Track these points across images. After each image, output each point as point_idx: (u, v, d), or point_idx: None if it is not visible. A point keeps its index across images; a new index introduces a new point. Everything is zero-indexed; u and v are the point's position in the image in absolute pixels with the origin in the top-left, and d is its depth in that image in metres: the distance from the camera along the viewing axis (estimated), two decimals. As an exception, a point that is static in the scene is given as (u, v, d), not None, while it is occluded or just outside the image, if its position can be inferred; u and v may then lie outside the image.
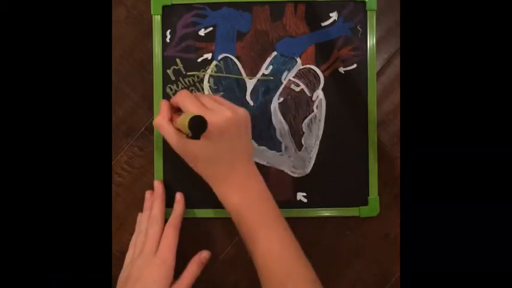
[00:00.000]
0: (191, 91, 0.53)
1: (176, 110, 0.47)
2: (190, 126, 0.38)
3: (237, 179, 0.45)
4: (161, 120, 0.45)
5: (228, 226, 0.53)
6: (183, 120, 0.39)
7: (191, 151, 0.44)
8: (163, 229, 0.48)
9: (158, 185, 0.51)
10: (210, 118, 0.40)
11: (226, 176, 0.45)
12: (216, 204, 0.51)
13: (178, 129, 0.44)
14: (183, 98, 0.45)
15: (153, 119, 0.53)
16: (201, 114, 0.40)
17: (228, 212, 0.46)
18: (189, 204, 0.53)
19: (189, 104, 0.44)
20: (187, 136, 0.39)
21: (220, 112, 0.42)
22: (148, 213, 0.50)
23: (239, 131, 0.44)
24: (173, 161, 0.53)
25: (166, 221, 0.49)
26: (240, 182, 0.45)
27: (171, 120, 0.46)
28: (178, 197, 0.51)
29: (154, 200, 0.50)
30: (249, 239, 0.44)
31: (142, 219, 0.50)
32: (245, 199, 0.45)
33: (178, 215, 0.49)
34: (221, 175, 0.45)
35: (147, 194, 0.52)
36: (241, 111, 0.44)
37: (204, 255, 0.48)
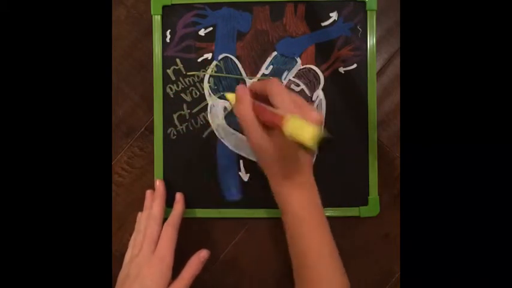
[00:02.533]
0: (191, 91, 0.53)
1: (255, 97, 0.44)
2: (319, 145, 0.35)
3: (300, 181, 0.44)
4: (247, 111, 0.41)
5: (228, 226, 0.53)
6: (298, 130, 0.36)
7: (269, 149, 0.42)
8: (162, 228, 0.48)
9: (159, 184, 0.51)
10: (312, 116, 0.39)
11: (292, 177, 0.44)
12: (216, 204, 0.51)
13: (266, 125, 0.41)
14: (280, 90, 0.41)
15: (153, 119, 0.53)
16: (297, 114, 0.37)
17: (282, 211, 0.45)
18: (189, 204, 0.53)
19: (287, 100, 0.40)
20: (302, 146, 0.36)
21: (311, 116, 0.40)
22: (147, 213, 0.50)
23: None
24: (173, 161, 0.53)
25: (165, 220, 0.49)
26: (302, 184, 0.44)
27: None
28: (178, 196, 0.51)
29: (154, 199, 0.50)
30: (302, 239, 0.44)
31: (141, 218, 0.50)
32: (304, 202, 0.44)
33: (177, 215, 0.49)
34: (287, 175, 0.44)
35: (148, 193, 0.52)
36: (322, 118, 0.44)
37: (202, 254, 0.48)
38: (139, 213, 0.51)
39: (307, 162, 0.45)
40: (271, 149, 0.41)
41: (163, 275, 0.45)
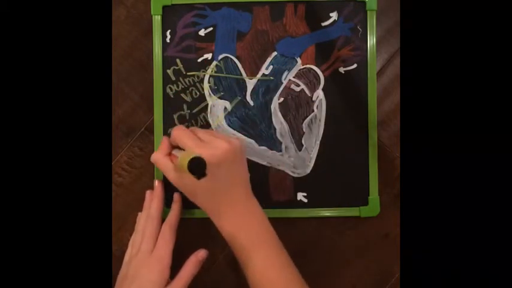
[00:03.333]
0: (191, 91, 0.53)
1: (175, 146, 0.48)
2: (190, 169, 0.38)
3: (233, 207, 0.45)
4: (158, 155, 0.47)
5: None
6: (183, 160, 0.39)
7: (189, 185, 0.45)
8: (160, 228, 0.48)
9: (158, 184, 0.51)
10: (206, 151, 0.42)
11: (224, 206, 0.45)
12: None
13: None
14: (179, 134, 0.45)
15: (153, 119, 0.53)
16: (198, 148, 0.42)
17: (226, 240, 0.46)
18: (189, 204, 0.52)
19: (185, 138, 0.44)
20: (184, 171, 0.39)
21: (216, 144, 0.43)
22: (146, 213, 0.50)
23: (235, 160, 0.45)
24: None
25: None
26: (236, 209, 0.45)
27: (169, 155, 0.47)
28: (177, 196, 0.51)
29: (152, 199, 0.50)
30: (245, 264, 0.45)
31: (141, 218, 0.50)
32: (241, 224, 0.45)
33: (175, 214, 0.49)
34: (219, 205, 0.45)
35: (147, 193, 0.52)
36: (236, 141, 0.45)
37: (201, 254, 0.48)
38: (139, 214, 0.52)
39: (239, 187, 0.46)
40: (191, 185, 0.45)
41: (161, 275, 0.45)
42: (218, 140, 0.44)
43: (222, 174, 0.43)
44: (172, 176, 0.45)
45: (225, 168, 0.43)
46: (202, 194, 0.45)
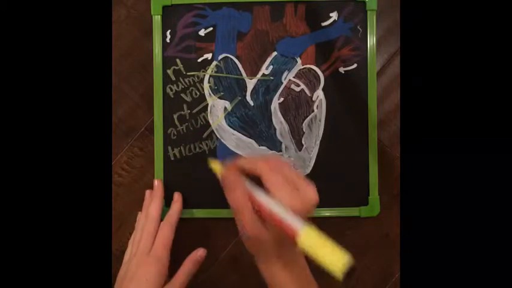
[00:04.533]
0: (191, 91, 0.53)
1: (244, 171, 0.41)
2: (343, 275, 0.32)
3: (286, 258, 0.40)
4: (243, 202, 0.38)
5: (228, 226, 0.53)
6: (318, 249, 0.33)
7: (267, 240, 0.38)
8: (159, 227, 0.48)
9: (158, 184, 0.51)
10: (299, 204, 0.36)
11: (276, 256, 0.40)
12: (216, 204, 0.51)
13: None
14: (268, 174, 0.38)
15: (153, 119, 0.53)
16: (291, 199, 0.35)
17: (267, 282, 0.41)
18: (189, 204, 0.53)
19: (277, 184, 0.37)
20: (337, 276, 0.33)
21: (307, 195, 0.37)
22: (146, 212, 0.50)
23: (310, 213, 0.38)
24: (173, 160, 0.53)
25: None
26: (288, 261, 0.40)
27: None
28: (176, 196, 0.51)
29: (151, 198, 0.50)
30: None
31: (140, 217, 0.50)
32: (291, 277, 0.40)
33: (174, 213, 0.50)
34: (272, 255, 0.40)
35: (147, 193, 0.52)
36: (316, 193, 0.38)
37: (200, 253, 0.48)
38: (139, 213, 0.52)
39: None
40: (269, 240, 0.38)
41: (159, 273, 0.45)
42: (308, 189, 0.38)
43: None
44: (256, 228, 0.38)
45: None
46: (269, 247, 0.39)
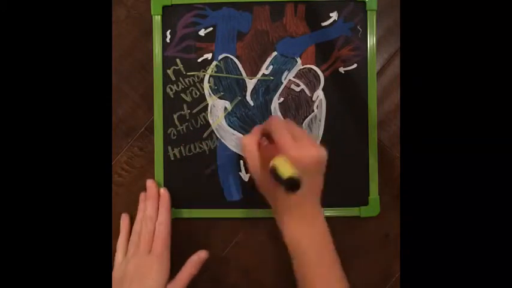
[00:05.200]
0: (191, 91, 0.53)
1: (265, 134, 0.46)
2: (285, 186, 0.38)
3: (303, 215, 0.44)
4: (250, 142, 0.44)
5: (228, 226, 0.53)
6: (282, 171, 0.39)
7: (267, 185, 0.44)
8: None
9: (151, 185, 0.52)
10: (297, 153, 0.41)
11: (293, 211, 0.44)
12: (216, 204, 0.51)
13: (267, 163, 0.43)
14: (277, 125, 0.44)
15: (153, 119, 0.53)
16: (290, 148, 0.41)
17: (286, 243, 0.45)
18: (189, 204, 0.53)
19: (281, 133, 0.43)
20: (278, 181, 0.39)
21: (307, 149, 0.42)
22: (142, 214, 0.50)
23: (318, 170, 0.44)
24: (173, 160, 0.53)
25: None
26: (305, 216, 0.44)
27: (259, 144, 0.45)
28: (162, 191, 0.51)
29: (147, 199, 0.51)
30: (304, 275, 0.44)
31: (137, 220, 0.51)
32: (307, 234, 0.44)
33: (165, 212, 0.50)
34: (289, 206, 0.44)
35: (141, 195, 0.52)
36: (323, 152, 0.43)
37: (202, 255, 0.48)
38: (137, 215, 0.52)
39: (312, 196, 0.44)
40: (270, 183, 0.43)
41: (162, 272, 0.45)
42: (310, 145, 0.43)
43: (307, 181, 0.41)
44: (254, 168, 0.44)
45: (307, 176, 0.41)
46: (275, 194, 0.44)
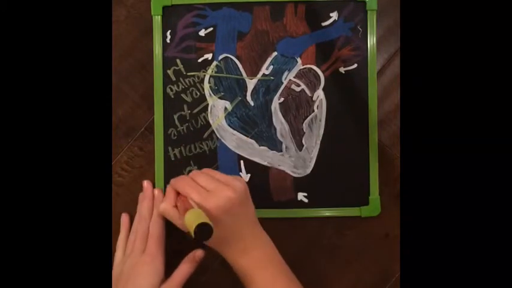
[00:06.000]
0: (191, 92, 0.53)
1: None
2: (196, 236, 0.38)
3: (244, 247, 0.45)
4: (166, 207, 0.46)
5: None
6: (189, 221, 0.39)
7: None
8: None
9: (146, 185, 0.52)
10: (212, 202, 0.42)
11: (235, 246, 0.45)
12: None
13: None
14: (182, 184, 0.45)
15: (153, 119, 0.53)
16: (203, 200, 0.42)
17: (239, 277, 0.46)
18: (189, 204, 0.53)
19: (189, 190, 0.44)
20: (191, 238, 0.39)
21: (221, 194, 0.43)
22: (139, 214, 0.50)
23: (241, 205, 0.45)
24: (174, 161, 0.53)
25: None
26: (246, 249, 0.45)
27: (176, 205, 0.46)
28: (156, 191, 0.52)
29: (142, 200, 0.51)
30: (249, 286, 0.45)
31: (135, 220, 0.51)
32: (252, 260, 0.45)
33: (160, 212, 0.50)
34: (230, 247, 0.46)
35: (140, 196, 0.52)
36: (239, 185, 0.44)
37: (198, 253, 0.48)
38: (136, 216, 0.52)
39: (248, 227, 0.46)
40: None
41: (155, 271, 0.45)
42: (222, 188, 0.44)
43: (231, 222, 0.44)
44: (181, 226, 0.45)
45: (233, 216, 0.44)
46: (213, 241, 0.44)
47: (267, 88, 0.53)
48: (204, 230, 0.38)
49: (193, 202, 0.43)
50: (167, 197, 0.47)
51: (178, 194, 0.47)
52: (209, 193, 0.43)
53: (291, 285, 0.45)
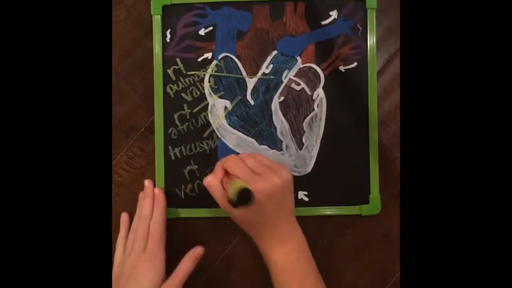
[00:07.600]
0: (191, 91, 0.53)
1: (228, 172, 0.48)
2: (239, 199, 0.40)
3: (279, 236, 0.46)
4: (212, 180, 0.47)
5: (228, 226, 0.53)
6: (232, 189, 0.41)
7: (239, 214, 0.45)
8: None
9: (148, 184, 0.52)
10: (259, 185, 0.43)
11: (270, 234, 0.46)
12: (217, 204, 0.51)
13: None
14: (232, 164, 0.46)
15: (153, 119, 0.53)
16: (250, 182, 0.43)
17: (268, 266, 0.47)
18: (189, 204, 0.53)
19: (238, 170, 0.45)
20: (230, 203, 0.42)
21: (268, 179, 0.44)
22: (139, 213, 0.50)
23: (284, 193, 0.46)
24: (174, 160, 0.53)
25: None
26: (281, 237, 0.46)
27: (222, 182, 0.47)
28: (156, 191, 0.52)
29: (143, 199, 0.51)
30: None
31: (135, 219, 0.51)
32: (285, 253, 0.46)
33: (161, 211, 0.50)
34: (266, 233, 0.46)
35: (140, 194, 0.52)
36: (286, 174, 0.46)
37: (198, 251, 0.48)
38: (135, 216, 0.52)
39: (286, 217, 0.47)
40: (240, 215, 0.46)
41: (156, 270, 0.45)
42: (270, 173, 0.45)
43: (272, 208, 0.45)
44: (222, 203, 0.46)
45: (275, 202, 0.45)
46: (249, 223, 0.47)
47: (267, 87, 0.53)
48: (245, 195, 0.40)
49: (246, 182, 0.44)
50: (215, 172, 0.48)
51: (226, 172, 0.47)
52: (257, 176, 0.45)
53: (318, 277, 0.47)
